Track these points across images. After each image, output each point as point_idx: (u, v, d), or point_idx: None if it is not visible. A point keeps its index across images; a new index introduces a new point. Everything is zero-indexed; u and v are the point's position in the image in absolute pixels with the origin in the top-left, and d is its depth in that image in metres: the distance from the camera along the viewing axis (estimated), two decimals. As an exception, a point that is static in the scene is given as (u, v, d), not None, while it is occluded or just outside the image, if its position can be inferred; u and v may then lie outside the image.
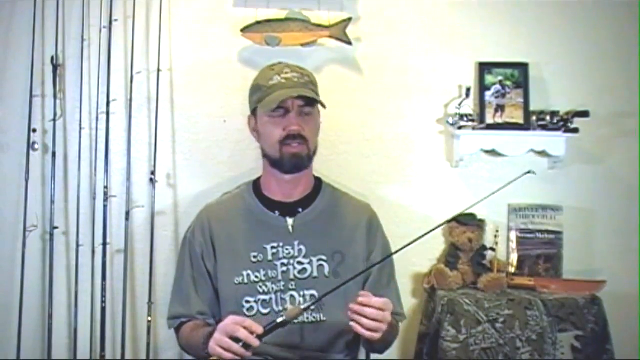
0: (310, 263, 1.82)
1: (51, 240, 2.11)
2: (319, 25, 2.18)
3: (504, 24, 2.28)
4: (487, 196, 1.73)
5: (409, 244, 1.60)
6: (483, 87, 2.24)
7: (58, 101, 2.13)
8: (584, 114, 2.19)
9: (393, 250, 1.85)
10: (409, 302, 2.24)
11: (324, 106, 1.82)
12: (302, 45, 2.18)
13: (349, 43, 2.19)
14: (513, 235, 2.29)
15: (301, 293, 1.80)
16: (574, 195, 2.31)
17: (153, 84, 2.16)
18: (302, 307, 1.58)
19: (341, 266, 1.82)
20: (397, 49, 2.27)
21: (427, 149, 2.29)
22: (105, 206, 2.13)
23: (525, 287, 2.18)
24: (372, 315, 1.56)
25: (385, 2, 2.25)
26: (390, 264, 1.86)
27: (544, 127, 2.20)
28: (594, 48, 2.30)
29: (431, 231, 1.65)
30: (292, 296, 1.80)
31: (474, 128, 2.21)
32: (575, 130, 2.18)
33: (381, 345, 1.81)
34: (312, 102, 1.80)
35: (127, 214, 2.14)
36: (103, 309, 2.11)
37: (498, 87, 2.24)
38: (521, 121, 2.21)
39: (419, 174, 2.29)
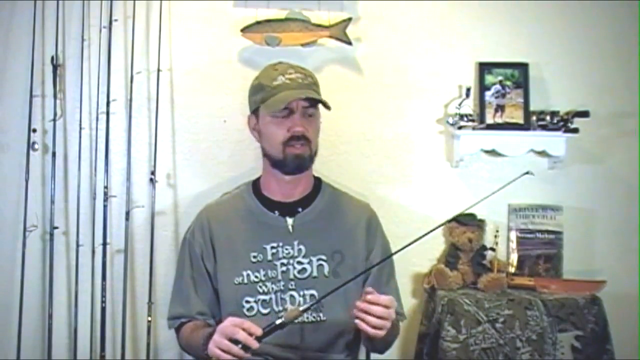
0: (310, 263, 1.82)
1: (51, 240, 2.11)
2: (319, 25, 2.18)
3: (504, 24, 2.29)
4: (486, 197, 1.73)
5: (409, 245, 1.60)
6: (483, 87, 2.24)
7: (58, 101, 2.13)
8: (584, 114, 2.19)
9: (392, 249, 1.86)
10: (409, 302, 2.24)
11: (329, 108, 1.81)
12: (302, 45, 2.18)
13: (349, 43, 2.19)
14: (513, 235, 2.29)
15: (301, 293, 1.80)
16: (574, 195, 2.31)
17: (153, 84, 2.16)
18: (301, 308, 1.58)
19: (341, 266, 1.82)
20: (397, 49, 2.27)
21: (427, 149, 2.29)
22: (105, 206, 2.13)
23: (525, 287, 2.18)
24: (378, 313, 1.56)
25: (385, 2, 2.25)
26: (390, 263, 1.86)
27: (544, 127, 2.20)
28: (594, 48, 2.30)
29: (431, 231, 1.65)
30: (292, 296, 1.80)
31: (474, 128, 2.21)
32: (575, 130, 2.18)
33: (383, 345, 1.81)
34: (316, 103, 1.80)
35: (127, 214, 2.14)
36: (103, 309, 2.11)
37: (498, 87, 2.24)
38: (521, 121, 2.21)
39: (419, 174, 2.29)
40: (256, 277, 1.80)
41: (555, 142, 2.20)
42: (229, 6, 2.21)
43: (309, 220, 1.85)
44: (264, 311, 1.79)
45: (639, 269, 2.28)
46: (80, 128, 2.14)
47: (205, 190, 2.18)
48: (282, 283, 1.80)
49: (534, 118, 2.22)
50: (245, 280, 1.81)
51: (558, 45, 2.30)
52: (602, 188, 2.32)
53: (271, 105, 1.77)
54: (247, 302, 1.79)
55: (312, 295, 1.79)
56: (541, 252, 2.27)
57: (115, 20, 2.13)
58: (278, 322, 1.55)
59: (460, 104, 2.22)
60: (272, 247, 1.82)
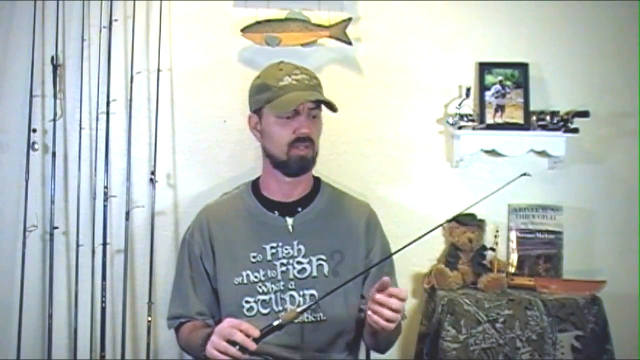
0: (309, 262, 1.81)
1: (51, 240, 2.11)
2: (319, 25, 2.18)
3: (504, 24, 2.29)
4: (483, 198, 1.73)
5: (408, 244, 1.59)
6: (483, 87, 2.24)
7: (58, 101, 2.14)
8: (584, 114, 2.19)
9: (392, 249, 1.85)
10: (409, 302, 2.24)
11: (335, 110, 1.80)
12: (302, 45, 2.18)
13: (349, 43, 2.19)
14: (513, 235, 2.29)
15: (301, 293, 1.80)
16: (574, 195, 2.31)
17: (153, 84, 2.17)
18: (298, 310, 1.57)
19: (340, 265, 1.82)
20: (397, 49, 2.27)
21: (427, 149, 2.29)
22: (105, 206, 2.13)
23: (525, 287, 2.18)
24: (395, 306, 1.54)
25: (385, 2, 2.25)
26: (389, 262, 1.86)
27: (544, 127, 2.20)
28: (594, 48, 2.30)
29: (430, 232, 1.65)
30: (291, 296, 1.80)
31: (474, 128, 2.21)
32: (575, 130, 2.18)
33: (386, 342, 1.81)
34: (320, 104, 1.80)
35: (127, 214, 2.14)
36: (103, 309, 2.11)
37: (498, 87, 2.24)
38: (521, 121, 2.21)
39: (419, 174, 2.29)
40: (256, 277, 1.80)
41: (555, 142, 2.20)
42: (229, 6, 2.21)
43: (309, 220, 1.85)
44: (264, 311, 1.79)
45: (639, 269, 2.28)
46: (80, 128, 2.14)
47: (205, 190, 2.18)
48: (281, 283, 1.80)
49: (534, 118, 2.22)
50: (245, 281, 1.81)
51: (558, 45, 2.30)
52: (602, 188, 2.32)
53: (279, 107, 1.76)
54: (247, 302, 1.79)
55: (312, 295, 1.79)
56: (541, 252, 2.27)
57: (115, 20, 2.13)
58: (276, 323, 1.55)
59: (460, 104, 2.22)
60: (272, 247, 1.82)
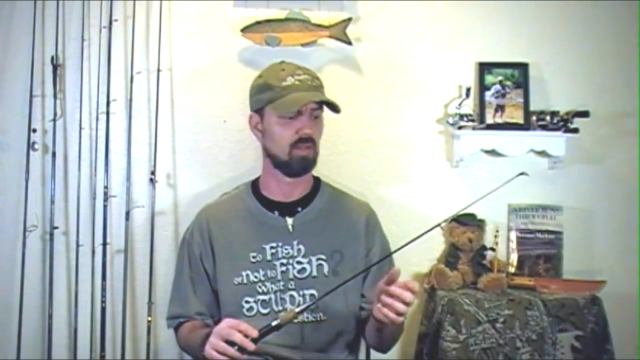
0: (309, 262, 1.81)
1: (51, 240, 2.11)
2: (319, 25, 2.18)
3: (504, 24, 2.28)
4: (480, 198, 1.72)
5: (407, 244, 1.59)
6: (483, 87, 2.24)
7: (58, 101, 2.14)
8: (584, 114, 2.18)
9: (392, 248, 1.85)
10: (409, 302, 2.24)
11: (338, 111, 1.80)
12: (302, 45, 2.18)
13: (349, 43, 2.19)
14: (513, 235, 2.29)
15: (301, 293, 1.80)
16: (574, 195, 2.31)
17: (153, 84, 2.17)
18: (297, 310, 1.57)
19: (340, 265, 1.82)
20: (397, 49, 2.27)
21: (427, 149, 2.29)
22: (105, 206, 2.13)
23: (525, 287, 2.18)
24: (408, 299, 1.53)
25: (385, 2, 2.25)
26: (389, 261, 1.85)
27: (544, 127, 2.20)
28: (594, 48, 2.30)
29: (428, 231, 1.64)
30: (291, 296, 1.80)
31: (474, 128, 2.21)
32: (575, 130, 2.18)
33: (390, 340, 1.81)
34: (322, 105, 1.80)
35: (127, 214, 2.14)
36: (103, 309, 2.11)
37: (498, 87, 2.24)
38: (521, 121, 2.21)
39: (419, 174, 2.29)
40: (255, 277, 1.80)
41: (555, 142, 2.20)
42: (229, 6, 2.21)
43: (309, 220, 1.85)
44: (264, 311, 1.79)
45: (639, 269, 2.28)
46: (80, 128, 2.14)
47: (205, 190, 2.18)
48: (281, 283, 1.80)
49: (534, 118, 2.22)
50: (245, 281, 1.81)
51: (558, 45, 2.30)
52: (602, 188, 2.32)
53: (282, 107, 1.75)
54: (247, 302, 1.79)
55: (311, 295, 1.78)
56: (541, 252, 2.27)
57: (115, 20, 2.13)
58: (274, 323, 1.55)
59: (460, 104, 2.22)
60: (272, 247, 1.82)
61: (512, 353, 2.01)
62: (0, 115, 2.16)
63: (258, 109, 1.84)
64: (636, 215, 2.30)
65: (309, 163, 1.80)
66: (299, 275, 1.81)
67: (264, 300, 1.79)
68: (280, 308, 1.79)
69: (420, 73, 2.27)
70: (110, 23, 2.12)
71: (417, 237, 1.59)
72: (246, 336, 1.54)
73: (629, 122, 2.31)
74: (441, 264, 2.23)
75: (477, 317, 2.02)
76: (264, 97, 1.80)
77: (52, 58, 2.12)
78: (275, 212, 1.86)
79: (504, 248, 2.29)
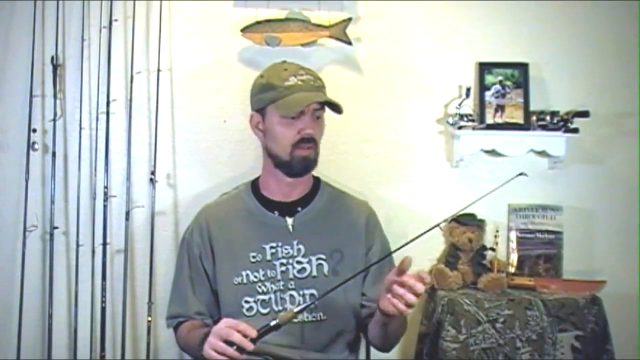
0: (309, 262, 1.82)
1: (51, 240, 2.11)
2: (319, 25, 2.18)
3: (504, 24, 2.28)
4: (480, 198, 1.71)
5: (407, 244, 1.59)
6: (483, 87, 2.24)
7: (58, 101, 2.14)
8: (584, 114, 2.18)
9: (392, 248, 1.85)
10: (409, 302, 2.24)
11: (341, 112, 1.80)
12: (302, 45, 2.18)
13: (349, 43, 2.19)
14: (513, 235, 2.29)
15: (300, 292, 1.80)
16: (574, 195, 2.31)
17: (153, 84, 2.17)
18: (295, 310, 1.56)
19: (340, 264, 1.82)
20: (397, 49, 2.27)
21: (427, 149, 2.29)
22: (105, 206, 2.13)
23: (525, 287, 2.17)
24: (419, 290, 1.51)
25: (385, 2, 2.25)
26: (389, 261, 1.85)
27: (544, 127, 2.20)
28: (594, 48, 2.30)
29: (428, 231, 1.63)
30: (291, 296, 1.80)
31: (474, 128, 2.21)
32: (575, 130, 2.18)
33: (394, 337, 1.81)
34: (324, 105, 1.80)
35: (127, 214, 2.14)
36: (103, 309, 2.11)
37: (498, 87, 2.24)
38: (521, 121, 2.21)
39: (419, 174, 2.29)
40: (255, 277, 1.80)
41: (555, 142, 2.20)
42: (229, 6, 2.21)
43: (309, 220, 1.85)
44: (264, 311, 1.79)
45: (639, 269, 2.28)
46: (80, 128, 2.14)
47: (205, 190, 2.18)
48: (281, 283, 1.80)
49: (534, 118, 2.22)
50: (245, 281, 1.81)
51: (558, 45, 2.30)
52: (602, 188, 2.32)
53: (285, 107, 1.75)
54: (247, 302, 1.79)
55: (311, 295, 1.78)
56: (541, 252, 2.27)
57: (115, 20, 2.13)
58: (273, 323, 1.55)
59: (460, 104, 2.22)
60: (272, 247, 1.82)
61: (512, 353, 2.01)
62: (0, 115, 2.16)
63: (259, 109, 1.83)
64: (636, 215, 2.30)
65: (310, 163, 1.81)
66: (298, 275, 1.81)
67: (263, 300, 1.79)
68: (280, 308, 1.79)
69: (420, 73, 2.27)
70: (110, 23, 2.12)
71: (417, 237, 1.59)
72: (245, 336, 1.53)
73: (629, 122, 2.31)
74: (441, 264, 2.23)
75: (477, 317, 2.02)
76: (267, 97, 1.79)
77: (52, 58, 2.12)
78: (275, 212, 1.86)
79: (504, 248, 2.29)
